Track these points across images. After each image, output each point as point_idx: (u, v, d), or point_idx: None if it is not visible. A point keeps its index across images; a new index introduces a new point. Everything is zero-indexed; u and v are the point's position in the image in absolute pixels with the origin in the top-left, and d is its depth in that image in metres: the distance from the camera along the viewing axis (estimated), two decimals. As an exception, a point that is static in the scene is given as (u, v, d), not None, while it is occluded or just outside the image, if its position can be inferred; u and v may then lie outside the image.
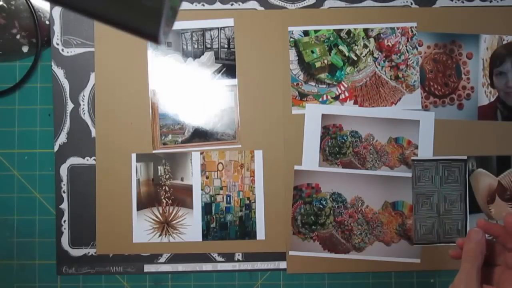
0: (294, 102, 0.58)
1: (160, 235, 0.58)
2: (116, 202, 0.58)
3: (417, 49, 0.58)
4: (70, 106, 0.58)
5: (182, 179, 0.58)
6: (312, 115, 0.58)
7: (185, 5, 0.59)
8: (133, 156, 0.58)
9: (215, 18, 0.58)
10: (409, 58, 0.58)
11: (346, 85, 0.58)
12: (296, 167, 0.58)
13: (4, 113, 0.59)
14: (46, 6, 0.59)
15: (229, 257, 0.58)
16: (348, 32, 0.58)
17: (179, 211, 0.58)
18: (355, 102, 0.58)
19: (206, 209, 0.58)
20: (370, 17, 0.59)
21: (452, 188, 0.58)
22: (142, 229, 0.58)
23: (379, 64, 0.58)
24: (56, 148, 0.58)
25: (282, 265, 0.58)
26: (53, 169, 0.58)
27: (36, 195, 0.59)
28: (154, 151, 0.58)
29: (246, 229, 0.58)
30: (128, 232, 0.57)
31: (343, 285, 0.59)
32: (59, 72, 0.58)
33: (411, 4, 0.59)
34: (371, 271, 0.58)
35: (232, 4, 0.59)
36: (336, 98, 0.58)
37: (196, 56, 0.58)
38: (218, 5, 0.59)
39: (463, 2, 0.59)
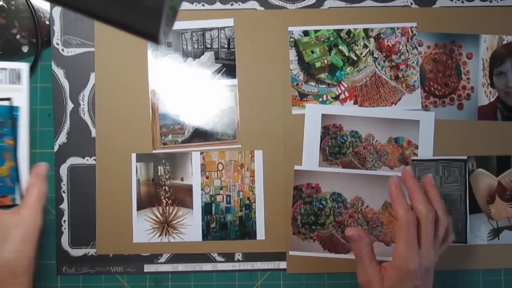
0: (294, 102, 0.58)
1: (160, 235, 0.58)
2: (116, 202, 0.58)
3: (417, 49, 0.58)
4: (70, 106, 0.58)
5: (182, 179, 0.58)
6: (312, 115, 0.58)
7: (185, 5, 0.59)
8: (133, 156, 0.58)
9: (215, 18, 0.58)
10: (409, 58, 0.58)
11: (346, 85, 0.58)
12: (296, 167, 0.58)
13: (4, 113, 0.59)
14: (46, 6, 0.59)
15: (229, 257, 0.58)
16: (348, 32, 0.58)
17: (179, 211, 0.58)
18: (355, 102, 0.58)
19: (206, 209, 0.58)
20: (370, 17, 0.59)
21: (452, 188, 0.58)
22: (142, 229, 0.58)
23: (379, 64, 0.58)
24: (56, 148, 0.58)
25: (282, 265, 0.58)
26: (53, 169, 0.58)
27: (36, 195, 0.59)
28: (154, 151, 0.58)
29: (246, 229, 0.58)
30: (128, 232, 0.57)
31: (343, 285, 0.59)
32: (59, 72, 0.58)
33: (411, 4, 0.59)
34: (371, 271, 0.58)
35: (232, 4, 0.59)
36: (336, 98, 0.58)
37: (196, 56, 0.58)
38: (218, 5, 0.59)
39: (463, 2, 0.59)
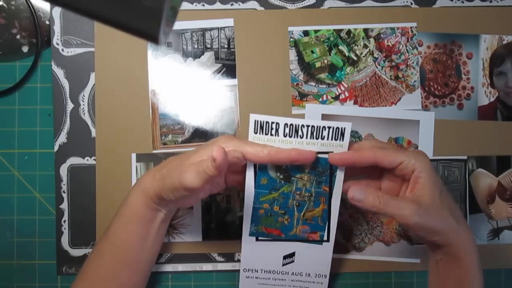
0: (294, 102, 0.58)
1: (160, 235, 0.57)
2: (116, 202, 0.57)
3: (417, 49, 0.58)
4: (70, 106, 0.58)
5: (182, 179, 0.58)
6: (312, 115, 0.58)
7: (185, 5, 0.59)
8: (133, 156, 0.58)
9: (215, 18, 0.58)
10: (409, 58, 0.58)
11: (346, 85, 0.58)
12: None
13: (4, 113, 0.59)
14: (46, 6, 0.59)
15: (229, 257, 0.58)
16: (348, 32, 0.58)
17: (179, 211, 0.58)
18: (355, 102, 0.58)
19: (206, 209, 0.58)
20: (370, 17, 0.58)
21: (452, 188, 0.58)
22: (142, 229, 0.57)
23: (379, 64, 0.58)
24: (56, 148, 0.58)
25: (282, 265, 0.58)
26: (53, 169, 0.58)
27: (36, 195, 0.59)
28: (154, 151, 0.58)
29: (246, 229, 0.58)
30: (128, 232, 0.57)
31: (343, 285, 0.59)
32: (59, 72, 0.58)
33: (411, 4, 0.59)
34: (371, 271, 0.58)
35: (232, 4, 0.59)
36: (336, 98, 0.58)
37: (196, 56, 0.58)
38: (218, 5, 0.59)
39: (463, 2, 0.59)
